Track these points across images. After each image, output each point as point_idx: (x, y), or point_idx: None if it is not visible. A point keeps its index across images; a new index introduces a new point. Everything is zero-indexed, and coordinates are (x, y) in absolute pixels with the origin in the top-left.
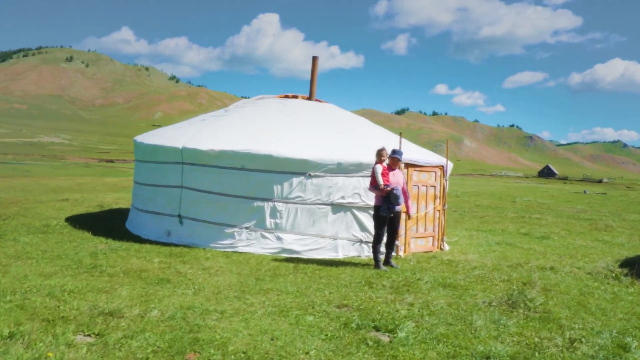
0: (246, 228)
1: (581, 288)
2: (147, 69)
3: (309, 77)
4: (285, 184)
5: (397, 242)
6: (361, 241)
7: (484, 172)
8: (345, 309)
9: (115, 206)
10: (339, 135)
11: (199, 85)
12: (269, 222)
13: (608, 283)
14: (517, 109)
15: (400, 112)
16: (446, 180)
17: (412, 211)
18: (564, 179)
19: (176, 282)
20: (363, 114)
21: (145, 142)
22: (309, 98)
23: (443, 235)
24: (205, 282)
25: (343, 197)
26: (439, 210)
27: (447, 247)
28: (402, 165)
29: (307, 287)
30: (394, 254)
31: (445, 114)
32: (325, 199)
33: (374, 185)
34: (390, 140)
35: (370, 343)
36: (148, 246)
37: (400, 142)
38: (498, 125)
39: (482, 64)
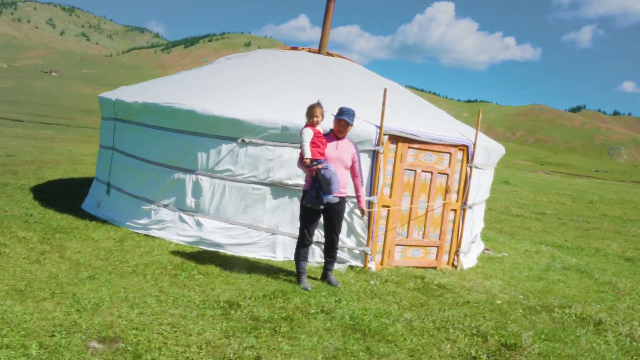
0: (164, 206)
1: None
2: None
3: (481, 68)
4: (212, 152)
5: (367, 250)
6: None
7: None
8: (102, 346)
9: None
10: (314, 94)
11: None
12: (190, 201)
13: None
14: None
15: (575, 110)
16: (472, 166)
17: (370, 204)
18: None
19: None
20: (532, 109)
21: (99, 96)
22: (319, 51)
23: (458, 246)
24: None
25: (289, 177)
26: (454, 210)
27: (467, 264)
28: (387, 140)
29: (123, 299)
30: (344, 265)
31: (629, 114)
32: (262, 177)
33: (302, 159)
34: (400, 109)
35: None
36: (57, 216)
37: (385, 99)
38: None
39: None
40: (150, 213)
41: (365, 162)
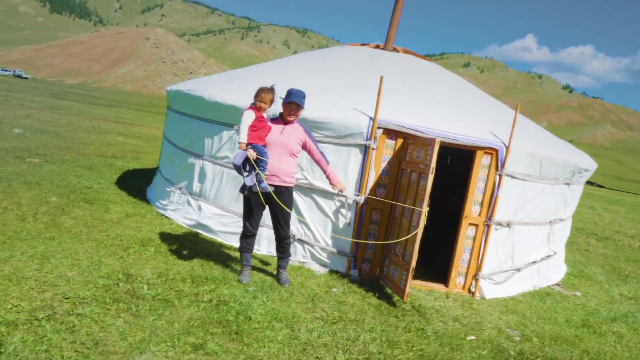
0: (179, 189)
1: None
2: (540, 77)
3: None
4: (216, 138)
5: (349, 256)
6: (294, 237)
7: None
8: None
9: None
10: (330, 81)
11: (594, 97)
12: (196, 185)
13: None
14: None
15: None
16: (502, 174)
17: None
18: None
19: None
20: None
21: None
22: (384, 47)
23: (478, 270)
24: None
25: None
26: (474, 225)
27: (493, 294)
28: (383, 134)
29: (40, 256)
30: (324, 269)
31: None
32: None
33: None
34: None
35: None
36: (111, 191)
37: (381, 88)
38: None
39: None
40: (170, 195)
41: (357, 158)
